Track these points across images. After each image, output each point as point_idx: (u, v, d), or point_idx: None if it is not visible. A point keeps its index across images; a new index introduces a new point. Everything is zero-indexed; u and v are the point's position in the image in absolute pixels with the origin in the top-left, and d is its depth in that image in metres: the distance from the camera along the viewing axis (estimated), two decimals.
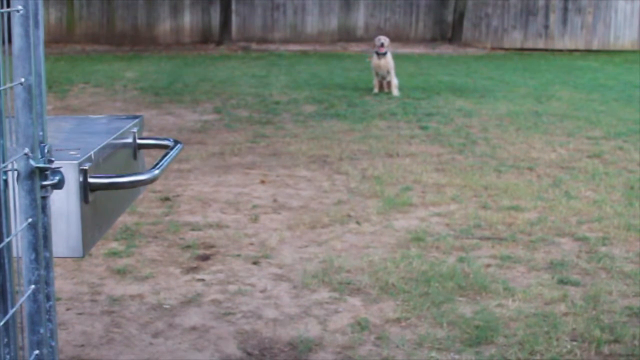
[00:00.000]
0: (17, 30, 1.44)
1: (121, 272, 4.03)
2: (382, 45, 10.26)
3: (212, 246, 4.46)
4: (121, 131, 2.18)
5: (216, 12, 17.62)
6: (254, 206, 5.25)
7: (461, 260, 4.24)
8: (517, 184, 5.85)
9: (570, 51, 17.46)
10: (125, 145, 2.23)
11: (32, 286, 1.51)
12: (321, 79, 11.92)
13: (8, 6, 1.42)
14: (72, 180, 1.72)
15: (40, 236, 1.51)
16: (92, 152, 1.84)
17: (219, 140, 7.42)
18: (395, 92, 10.21)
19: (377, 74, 10.43)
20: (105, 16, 17.59)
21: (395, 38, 17.61)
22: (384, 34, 17.01)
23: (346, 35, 18.00)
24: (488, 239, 4.63)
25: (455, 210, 5.20)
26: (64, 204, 1.73)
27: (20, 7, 1.43)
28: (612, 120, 8.54)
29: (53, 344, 1.60)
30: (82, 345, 3.25)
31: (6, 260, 1.40)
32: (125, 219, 4.77)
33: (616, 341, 3.30)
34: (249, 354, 3.20)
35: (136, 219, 4.90)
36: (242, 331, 3.39)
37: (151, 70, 12.95)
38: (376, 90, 10.41)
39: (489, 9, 18.03)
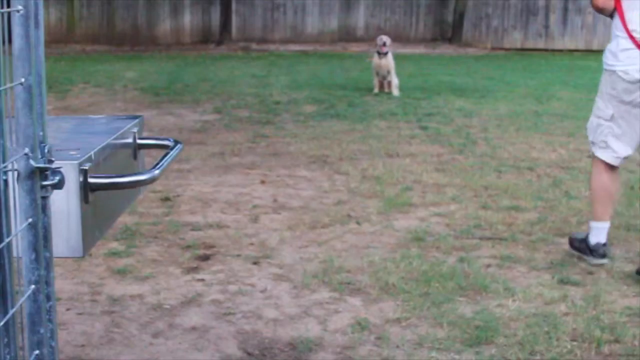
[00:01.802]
0: (17, 30, 1.44)
1: (121, 272, 4.03)
2: (384, 44, 10.26)
3: (212, 246, 4.46)
4: (121, 131, 2.18)
5: (216, 12, 17.63)
6: (254, 206, 5.25)
7: (461, 260, 4.24)
8: (517, 184, 5.85)
9: (570, 51, 17.46)
10: (125, 145, 2.23)
11: (32, 286, 1.51)
12: (321, 79, 11.92)
13: (8, 6, 1.42)
14: (72, 180, 1.72)
15: (40, 236, 1.51)
16: (92, 152, 1.84)
17: (219, 140, 7.42)
18: (395, 92, 10.22)
19: (377, 73, 10.42)
20: (105, 16, 17.59)
21: (395, 38, 17.59)
22: (384, 34, 16.98)
23: (346, 35, 18.00)
24: (488, 239, 4.63)
25: (456, 210, 5.20)
26: (64, 204, 1.73)
27: (20, 7, 1.43)
28: None
29: (53, 344, 1.60)
30: (82, 345, 3.25)
31: (6, 260, 1.40)
32: (125, 219, 4.77)
33: (616, 341, 3.30)
34: (249, 354, 3.20)
35: (136, 219, 4.90)
36: (242, 331, 3.39)
37: (151, 70, 12.95)
38: (376, 90, 10.41)
39: (489, 9, 18.04)
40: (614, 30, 4.14)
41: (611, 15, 4.16)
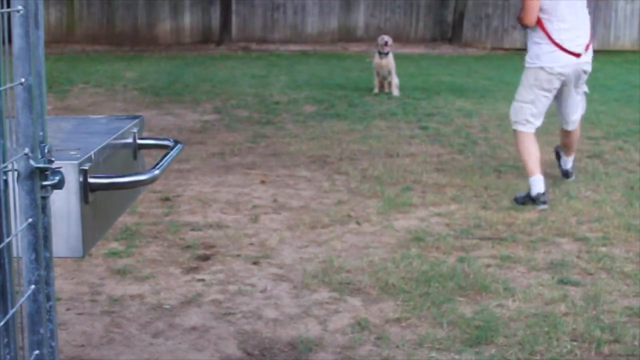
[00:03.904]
0: (17, 30, 1.44)
1: (121, 272, 4.03)
2: (385, 44, 10.24)
3: (212, 246, 4.47)
4: (121, 131, 2.18)
5: (216, 12, 17.62)
6: (254, 206, 5.25)
7: (461, 260, 4.24)
8: (517, 184, 5.85)
9: None
10: (125, 145, 2.23)
11: (32, 286, 1.51)
12: (321, 79, 11.92)
13: (8, 6, 1.42)
14: (72, 180, 1.72)
15: (40, 236, 1.51)
16: (92, 152, 1.84)
17: (219, 140, 7.42)
18: (395, 92, 10.21)
19: (377, 73, 10.41)
20: (105, 16, 17.59)
21: (395, 38, 17.55)
22: (384, 34, 16.94)
23: (346, 35, 18.00)
24: (488, 239, 4.64)
25: (456, 210, 5.20)
26: (64, 204, 1.73)
27: (20, 7, 1.43)
28: (612, 120, 8.55)
29: (53, 344, 1.60)
30: (82, 345, 3.25)
31: (6, 260, 1.40)
32: (125, 219, 4.77)
33: (616, 341, 3.30)
34: (249, 354, 3.20)
35: (136, 219, 4.90)
36: (242, 331, 3.39)
37: (151, 70, 12.95)
38: (376, 90, 10.41)
39: (489, 9, 18.03)
40: (533, 38, 5.51)
41: (527, 28, 5.53)
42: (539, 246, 4.51)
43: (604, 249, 4.47)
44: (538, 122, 5.60)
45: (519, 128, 5.58)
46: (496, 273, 4.08)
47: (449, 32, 18.10)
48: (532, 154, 5.51)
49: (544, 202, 5.29)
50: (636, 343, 3.29)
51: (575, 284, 3.95)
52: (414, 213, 5.13)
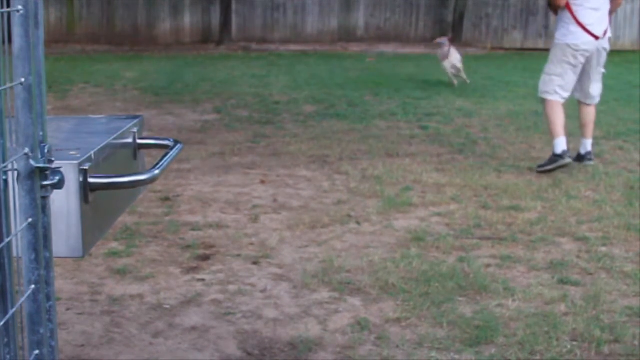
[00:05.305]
0: (17, 30, 1.44)
1: (121, 272, 4.03)
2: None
3: (212, 246, 4.47)
4: (121, 131, 2.18)
5: (216, 12, 17.62)
6: (254, 206, 5.25)
7: (461, 260, 4.24)
8: (517, 184, 5.85)
9: None
10: (125, 145, 2.23)
11: (32, 286, 1.51)
12: (321, 79, 11.92)
13: (8, 6, 1.42)
14: (72, 180, 1.72)
15: (40, 236, 1.51)
16: (92, 152, 1.84)
17: (219, 140, 7.42)
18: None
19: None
20: (105, 16, 17.59)
21: (395, 38, 17.62)
22: (384, 34, 17.03)
23: (346, 35, 17.99)
24: (488, 239, 4.63)
25: (455, 210, 5.20)
26: (64, 204, 1.73)
27: (20, 7, 1.43)
28: (612, 120, 8.54)
29: (53, 344, 1.60)
30: (82, 345, 3.25)
31: (6, 260, 1.40)
32: (125, 219, 4.77)
33: (616, 341, 3.30)
34: (249, 354, 3.20)
35: (136, 219, 4.90)
36: (242, 331, 3.39)
37: (151, 70, 12.94)
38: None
39: (489, 9, 18.03)
40: (562, 19, 6.28)
41: (556, 12, 6.37)
42: (539, 246, 4.51)
43: (604, 249, 4.47)
44: (565, 94, 6.35)
45: (548, 97, 6.36)
46: (496, 273, 4.08)
47: (449, 32, 18.09)
48: (558, 118, 6.28)
49: (569, 158, 6.13)
50: (636, 343, 3.29)
51: (575, 284, 3.95)
52: (414, 213, 5.13)
